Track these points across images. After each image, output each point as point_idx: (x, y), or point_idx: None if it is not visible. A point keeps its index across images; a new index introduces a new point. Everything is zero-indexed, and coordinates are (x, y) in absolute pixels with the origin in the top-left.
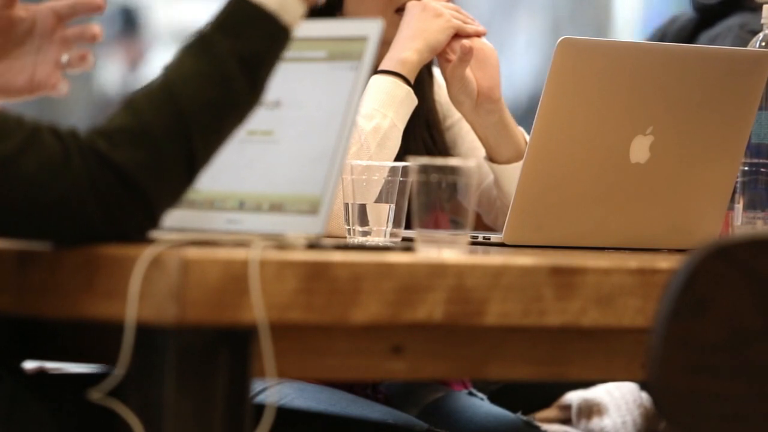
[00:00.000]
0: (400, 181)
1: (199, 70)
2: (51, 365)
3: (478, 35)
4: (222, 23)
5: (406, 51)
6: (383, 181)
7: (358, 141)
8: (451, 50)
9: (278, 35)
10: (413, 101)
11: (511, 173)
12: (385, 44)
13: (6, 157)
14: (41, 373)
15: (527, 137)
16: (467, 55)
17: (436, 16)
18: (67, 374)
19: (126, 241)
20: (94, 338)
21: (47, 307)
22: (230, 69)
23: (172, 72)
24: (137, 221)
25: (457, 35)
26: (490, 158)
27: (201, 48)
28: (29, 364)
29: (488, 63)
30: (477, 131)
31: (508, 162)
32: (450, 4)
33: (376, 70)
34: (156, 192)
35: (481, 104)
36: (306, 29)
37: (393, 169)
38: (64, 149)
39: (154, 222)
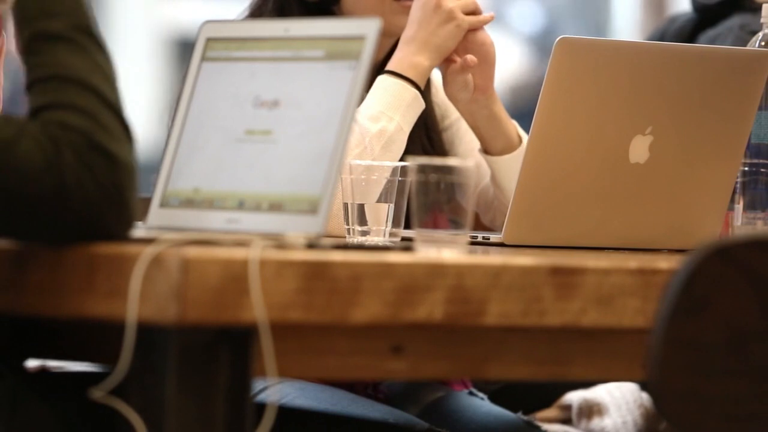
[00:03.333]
0: (399, 181)
1: (64, 52)
2: (53, 364)
3: (486, 23)
4: (27, 15)
5: (419, 55)
6: (383, 181)
7: (362, 143)
8: (456, 52)
9: None
10: (421, 105)
11: (506, 165)
12: (385, 35)
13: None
14: (43, 371)
15: (519, 128)
16: (470, 63)
17: (448, 20)
18: (69, 373)
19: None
20: (96, 337)
21: (47, 307)
22: (80, 40)
23: (42, 68)
24: (130, 191)
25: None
26: (485, 150)
27: (39, 42)
28: (31, 363)
29: (487, 61)
30: (470, 123)
31: (502, 153)
32: None
33: (376, 67)
34: (132, 157)
35: (475, 99)
36: (304, 28)
37: (392, 169)
38: (53, 141)
39: (136, 183)
